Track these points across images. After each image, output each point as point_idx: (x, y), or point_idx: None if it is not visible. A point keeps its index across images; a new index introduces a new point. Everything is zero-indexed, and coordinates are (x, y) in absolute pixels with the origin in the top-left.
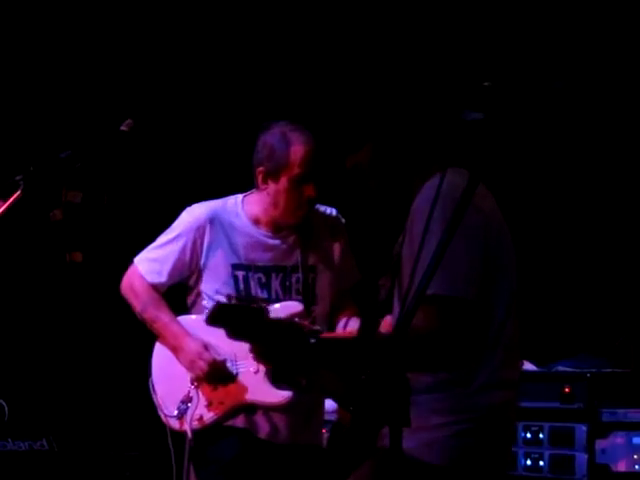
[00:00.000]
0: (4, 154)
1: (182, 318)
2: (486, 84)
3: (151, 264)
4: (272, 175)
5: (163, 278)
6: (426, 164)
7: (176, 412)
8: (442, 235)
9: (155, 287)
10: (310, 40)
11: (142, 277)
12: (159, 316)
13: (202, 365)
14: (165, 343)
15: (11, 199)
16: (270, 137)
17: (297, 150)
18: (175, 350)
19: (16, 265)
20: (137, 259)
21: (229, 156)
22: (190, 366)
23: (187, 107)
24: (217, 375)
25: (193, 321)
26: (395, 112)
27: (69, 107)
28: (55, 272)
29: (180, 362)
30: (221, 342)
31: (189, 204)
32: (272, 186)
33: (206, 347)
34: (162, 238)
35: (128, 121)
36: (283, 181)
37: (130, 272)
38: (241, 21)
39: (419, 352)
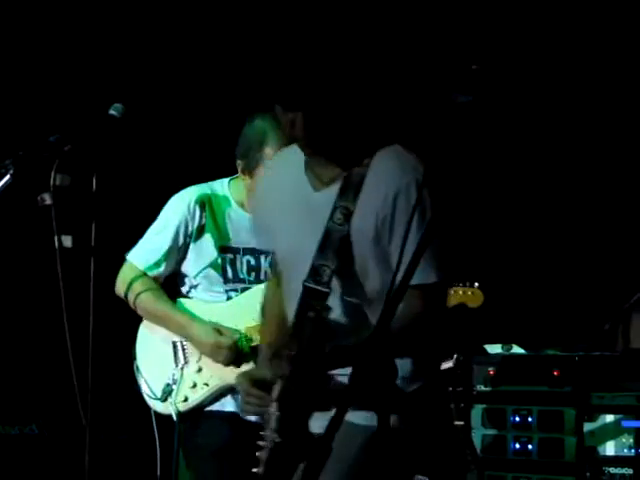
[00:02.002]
0: None
1: (182, 302)
2: (474, 67)
3: (147, 256)
4: (248, 170)
5: (161, 268)
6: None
7: (161, 394)
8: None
9: (155, 279)
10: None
11: (139, 272)
12: (161, 308)
13: (225, 353)
14: (173, 332)
15: (0, 183)
16: (249, 133)
17: (272, 150)
18: (186, 337)
19: (5, 250)
20: (130, 255)
21: (218, 141)
22: (212, 354)
23: (177, 91)
24: (236, 357)
25: (192, 306)
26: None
27: (58, 90)
28: (44, 257)
29: (197, 349)
30: (222, 323)
31: (179, 187)
32: (248, 180)
33: (219, 331)
34: (153, 229)
35: (117, 105)
36: (257, 177)
37: (125, 269)
38: (228, 7)
39: (410, 336)
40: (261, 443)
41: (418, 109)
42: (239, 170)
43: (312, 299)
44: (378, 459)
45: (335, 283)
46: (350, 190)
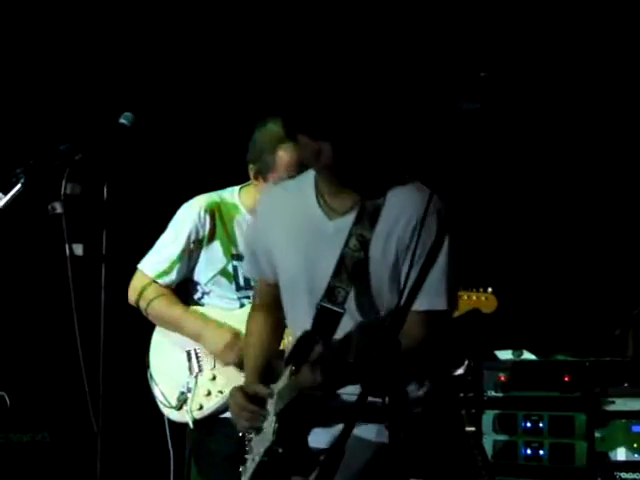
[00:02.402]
0: (4, 147)
1: (194, 309)
2: (482, 74)
3: (158, 266)
4: (261, 174)
5: (172, 276)
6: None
7: (176, 402)
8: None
9: (167, 287)
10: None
11: (151, 281)
12: (174, 312)
13: (238, 354)
14: (186, 335)
15: (12, 192)
16: (261, 137)
17: (284, 154)
18: (199, 342)
19: (16, 258)
20: (142, 265)
21: (229, 149)
22: (224, 354)
23: (187, 99)
24: None
25: (205, 311)
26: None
27: (68, 99)
28: (55, 265)
29: (209, 349)
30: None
31: (190, 196)
32: (261, 184)
33: (234, 332)
34: (163, 238)
35: (127, 114)
36: (270, 181)
37: (137, 278)
38: (240, 15)
39: (414, 359)
40: (247, 456)
41: (427, 118)
42: (251, 175)
43: (326, 318)
44: (386, 473)
45: (349, 304)
46: (365, 219)
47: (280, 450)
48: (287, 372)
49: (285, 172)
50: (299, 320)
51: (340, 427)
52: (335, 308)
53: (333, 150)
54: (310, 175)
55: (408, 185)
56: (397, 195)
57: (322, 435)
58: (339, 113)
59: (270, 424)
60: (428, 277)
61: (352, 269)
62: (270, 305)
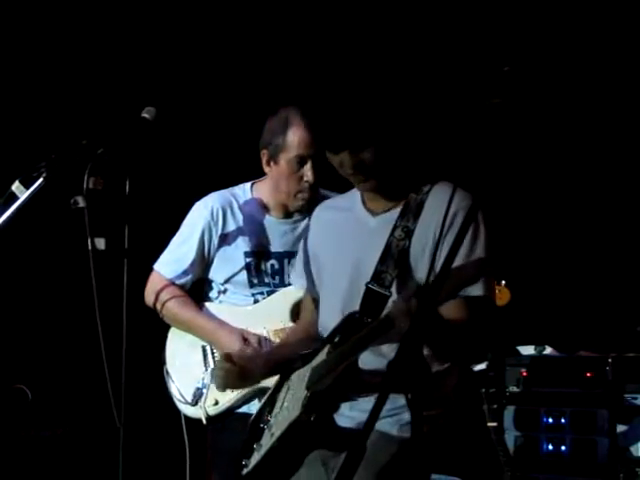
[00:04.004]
0: (27, 142)
1: (208, 307)
2: (506, 69)
3: (173, 266)
4: (273, 158)
5: (188, 276)
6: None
7: (191, 398)
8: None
9: (181, 287)
10: (322, 32)
11: (166, 281)
12: (187, 316)
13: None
14: (199, 338)
15: (34, 186)
16: (273, 121)
17: (295, 132)
18: (212, 344)
19: (39, 252)
20: (157, 265)
21: (249, 143)
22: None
23: (209, 93)
24: None
25: (220, 310)
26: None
27: (91, 94)
28: (77, 259)
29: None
30: (249, 327)
31: (211, 190)
32: (274, 169)
33: (244, 337)
34: (178, 238)
35: (150, 108)
36: (282, 164)
37: (153, 279)
38: (257, 15)
39: (456, 341)
40: (254, 445)
41: (452, 114)
42: (264, 162)
43: (373, 300)
44: (409, 468)
45: (394, 288)
46: (410, 213)
47: (312, 418)
48: (326, 349)
49: (296, 151)
50: (333, 321)
51: (365, 406)
52: (382, 291)
53: (376, 156)
54: (355, 189)
55: (449, 184)
56: (438, 191)
57: (348, 416)
58: (377, 121)
59: (298, 399)
60: (464, 264)
61: (397, 256)
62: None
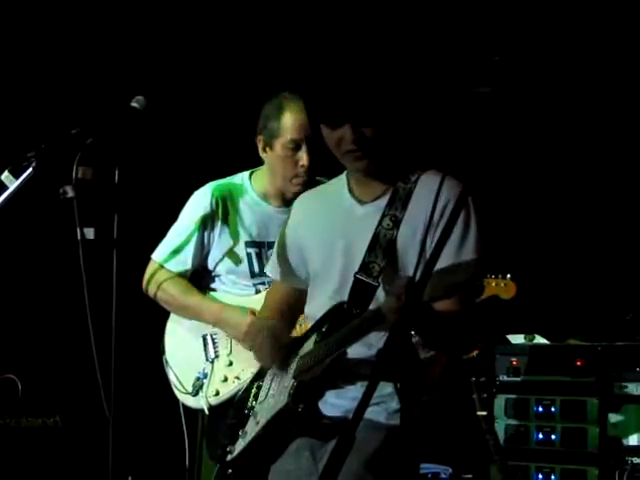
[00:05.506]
0: (15, 132)
1: (211, 295)
2: (496, 58)
3: (173, 255)
4: (268, 143)
5: (188, 265)
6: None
7: (191, 389)
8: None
9: (182, 275)
10: (317, 18)
11: (166, 270)
12: (192, 300)
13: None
14: (206, 321)
15: (23, 176)
16: (268, 107)
17: (289, 117)
18: (219, 326)
19: (28, 242)
20: (156, 255)
21: (241, 133)
22: (244, 339)
23: (199, 82)
24: None
25: (222, 297)
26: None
27: (80, 83)
28: (66, 249)
29: (231, 332)
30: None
31: (202, 179)
32: (270, 154)
33: (254, 313)
34: (176, 227)
35: (139, 97)
36: (277, 148)
37: (151, 269)
38: (257, 6)
39: (449, 332)
40: (240, 431)
41: (441, 102)
42: (260, 148)
43: (362, 291)
44: (398, 456)
45: (382, 278)
46: (398, 202)
47: (300, 408)
48: (313, 337)
49: (290, 134)
50: (320, 311)
51: (352, 394)
52: (370, 281)
53: (376, 133)
54: (341, 176)
55: (438, 173)
56: (426, 180)
57: (334, 405)
58: (380, 95)
59: (285, 387)
60: (455, 265)
61: (386, 245)
62: (281, 310)
